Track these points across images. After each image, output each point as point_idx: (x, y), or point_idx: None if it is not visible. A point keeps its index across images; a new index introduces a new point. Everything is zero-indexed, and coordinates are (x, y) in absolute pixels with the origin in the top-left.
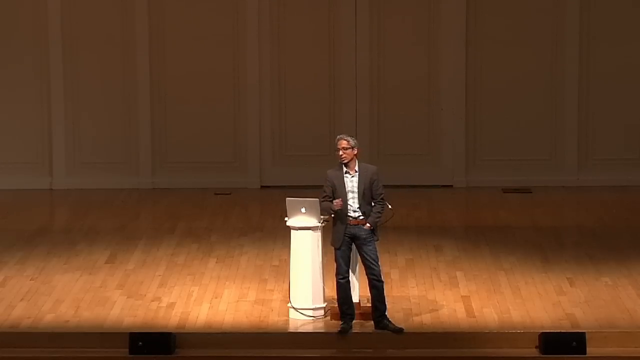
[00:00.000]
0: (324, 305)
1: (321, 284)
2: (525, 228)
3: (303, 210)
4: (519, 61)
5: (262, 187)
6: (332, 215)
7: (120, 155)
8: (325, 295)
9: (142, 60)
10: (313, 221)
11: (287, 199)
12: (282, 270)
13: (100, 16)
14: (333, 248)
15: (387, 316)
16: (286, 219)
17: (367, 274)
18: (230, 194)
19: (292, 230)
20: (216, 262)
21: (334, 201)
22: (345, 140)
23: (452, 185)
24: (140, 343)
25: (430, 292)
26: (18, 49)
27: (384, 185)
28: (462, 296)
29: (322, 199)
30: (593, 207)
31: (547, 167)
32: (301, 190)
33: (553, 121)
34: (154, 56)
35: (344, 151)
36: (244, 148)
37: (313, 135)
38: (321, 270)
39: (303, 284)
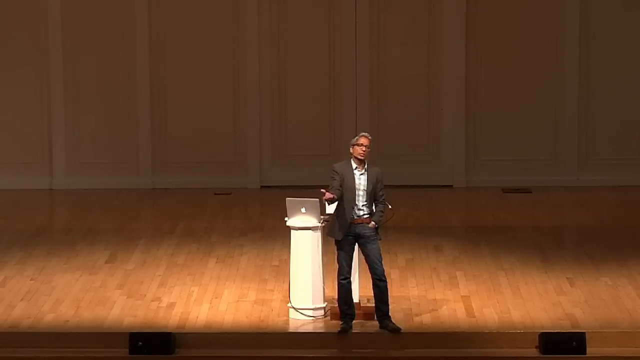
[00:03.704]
0: (324, 305)
1: (321, 284)
2: (525, 228)
3: (303, 210)
4: (519, 61)
5: (262, 187)
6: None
7: (120, 155)
8: (325, 295)
9: (142, 60)
10: (313, 221)
11: (287, 199)
12: (282, 270)
13: (100, 17)
14: (336, 249)
15: (390, 316)
16: (286, 219)
17: (370, 273)
18: (230, 194)
19: (292, 230)
20: (216, 262)
21: (327, 193)
22: (369, 138)
23: (452, 185)
24: (140, 343)
25: (430, 292)
26: (18, 49)
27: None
28: (462, 296)
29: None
30: (593, 207)
31: (547, 167)
32: (301, 190)
33: (553, 121)
34: (154, 56)
35: (367, 148)
36: (244, 148)
37: (313, 135)
38: (321, 270)
39: (303, 284)
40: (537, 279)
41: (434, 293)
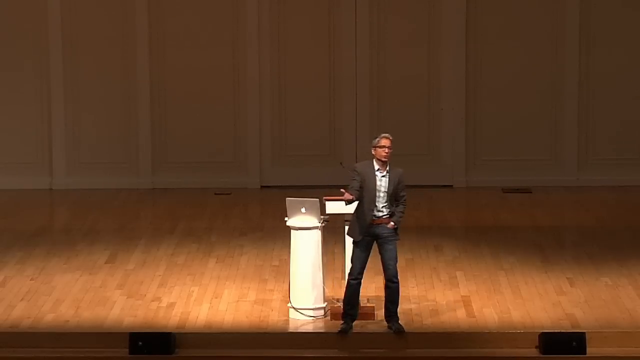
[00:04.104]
0: (324, 305)
1: (321, 284)
2: (525, 228)
3: (303, 210)
4: (519, 61)
5: (262, 187)
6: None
7: (120, 155)
8: (325, 295)
9: (142, 60)
10: (313, 221)
11: (287, 199)
12: (282, 270)
13: (100, 17)
14: (352, 247)
15: (398, 317)
16: (286, 219)
17: (383, 273)
18: (230, 194)
19: (292, 230)
20: (216, 262)
21: (346, 193)
22: (390, 139)
23: (452, 185)
24: (140, 343)
25: (430, 292)
26: (18, 49)
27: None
28: (462, 296)
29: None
30: (593, 207)
31: (547, 167)
32: (301, 190)
33: (553, 121)
34: (154, 56)
35: (389, 150)
36: (244, 148)
37: (313, 135)
38: (321, 270)
39: (303, 284)
40: (537, 279)
41: (434, 293)
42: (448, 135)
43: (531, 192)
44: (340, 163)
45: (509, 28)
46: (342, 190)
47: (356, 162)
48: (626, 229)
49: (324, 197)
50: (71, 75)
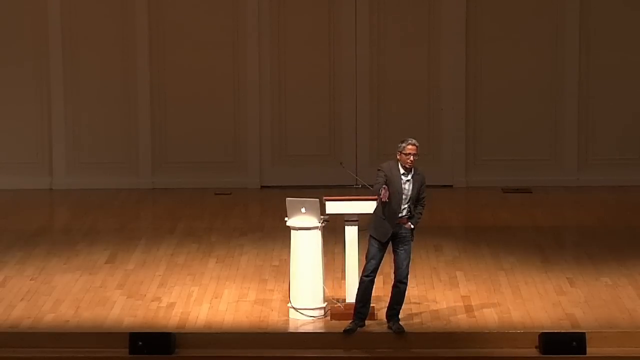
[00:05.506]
0: (324, 305)
1: (321, 284)
2: (525, 228)
3: (303, 210)
4: (519, 61)
5: (262, 187)
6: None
7: (120, 155)
8: (325, 295)
9: (142, 60)
10: (313, 221)
11: (287, 199)
12: (282, 270)
13: (100, 16)
14: (368, 244)
15: (399, 318)
16: (286, 219)
17: (394, 272)
18: (230, 194)
19: (292, 230)
20: (216, 262)
21: (382, 190)
22: (416, 145)
23: (452, 185)
24: (140, 343)
25: (430, 292)
26: (18, 49)
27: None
28: (462, 296)
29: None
30: (593, 207)
31: (547, 167)
32: (301, 190)
33: (553, 121)
34: (154, 56)
35: (415, 157)
36: (244, 148)
37: (313, 135)
38: (321, 270)
39: (303, 284)
40: (537, 279)
41: (434, 293)
42: (448, 135)
43: (531, 192)
44: (340, 163)
45: (509, 28)
46: (384, 186)
47: (356, 162)
48: (626, 229)
49: (324, 197)
50: (71, 75)
